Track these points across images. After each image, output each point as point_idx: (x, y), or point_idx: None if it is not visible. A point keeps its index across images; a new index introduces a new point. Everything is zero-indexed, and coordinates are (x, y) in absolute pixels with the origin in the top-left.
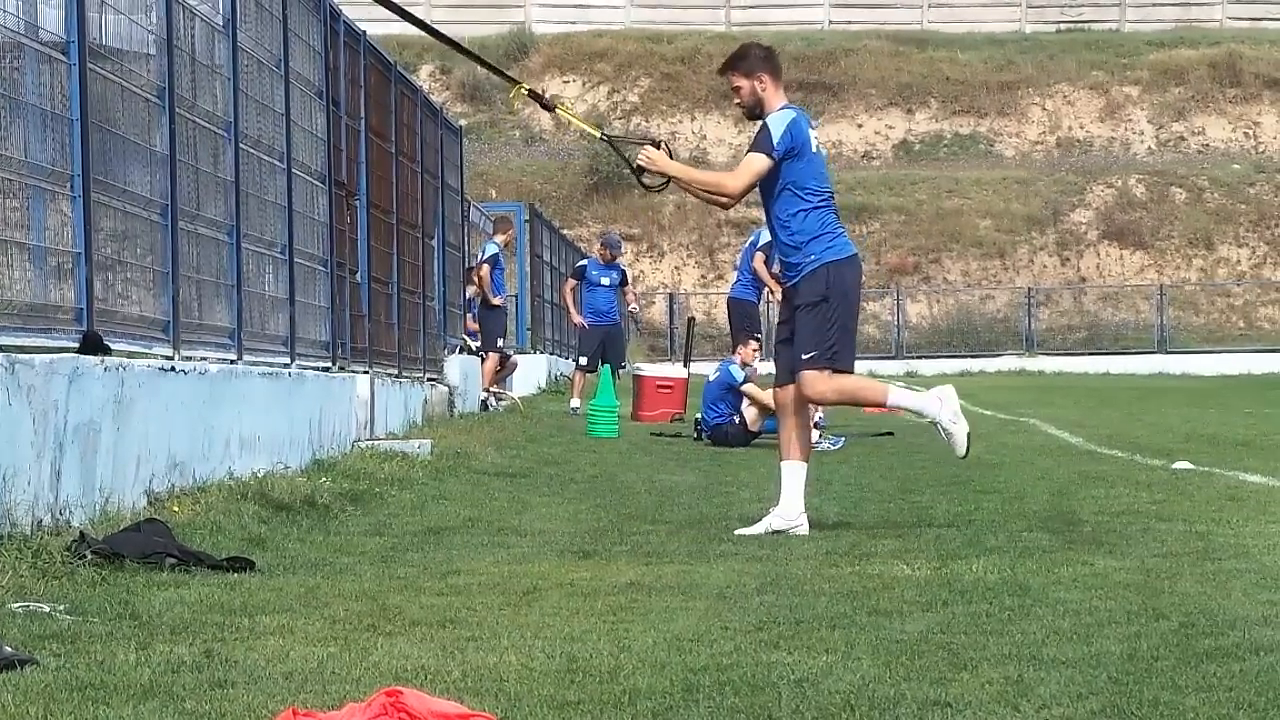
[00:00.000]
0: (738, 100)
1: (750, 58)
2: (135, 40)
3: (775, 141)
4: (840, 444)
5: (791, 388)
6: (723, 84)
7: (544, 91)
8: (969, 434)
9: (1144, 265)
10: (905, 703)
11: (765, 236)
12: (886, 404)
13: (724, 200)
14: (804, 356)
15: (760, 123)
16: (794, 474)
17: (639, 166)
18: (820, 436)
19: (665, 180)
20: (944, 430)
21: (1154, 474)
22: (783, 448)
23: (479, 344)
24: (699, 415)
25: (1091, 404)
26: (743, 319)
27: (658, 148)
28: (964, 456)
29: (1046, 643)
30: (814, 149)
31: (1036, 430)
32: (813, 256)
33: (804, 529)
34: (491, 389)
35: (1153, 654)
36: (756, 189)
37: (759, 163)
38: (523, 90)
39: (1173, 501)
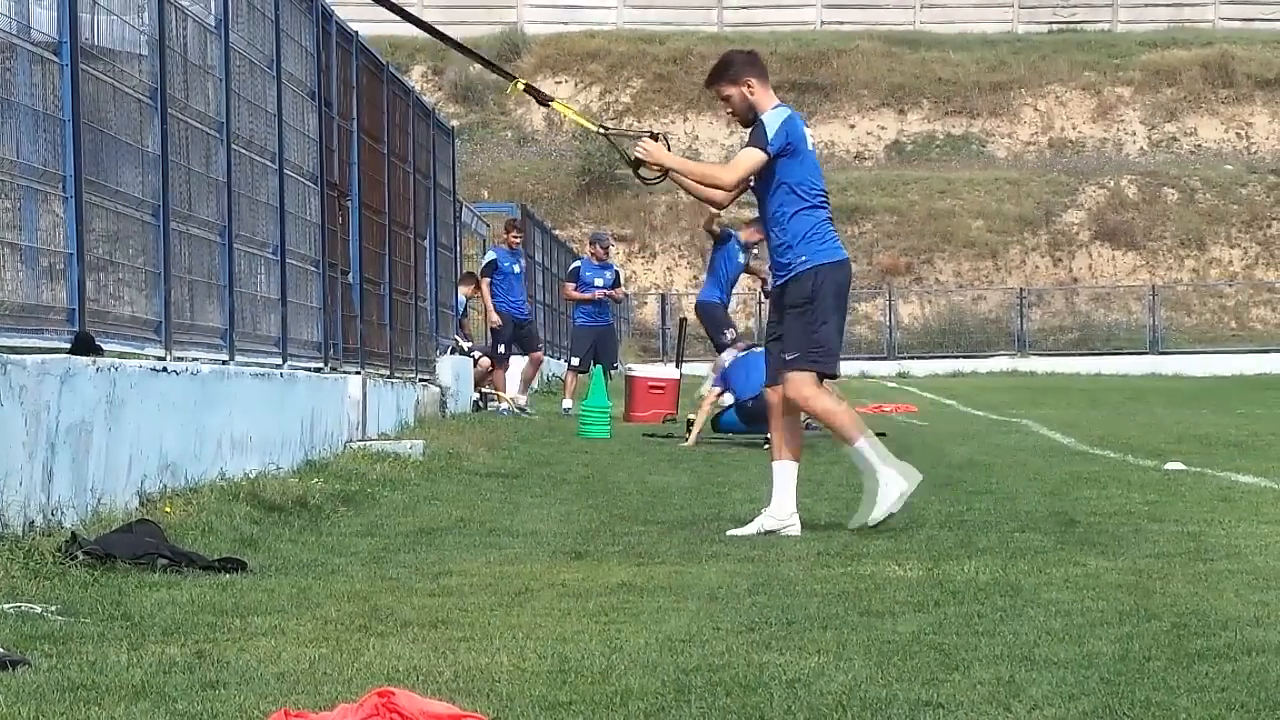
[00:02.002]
0: (730, 110)
1: (734, 65)
2: (127, 41)
3: (770, 137)
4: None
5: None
6: None
7: None
8: (885, 514)
9: (1136, 266)
10: (897, 703)
11: (742, 237)
12: (853, 444)
13: (718, 196)
14: (788, 358)
15: (758, 121)
16: (785, 474)
17: (636, 160)
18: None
19: (662, 174)
20: (878, 487)
21: (1146, 475)
22: (774, 448)
23: (470, 345)
24: (690, 416)
25: (1083, 405)
26: (712, 322)
27: (655, 140)
28: (872, 525)
29: (1038, 643)
30: (809, 147)
31: (1028, 431)
32: (803, 258)
33: (796, 529)
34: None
35: (1145, 654)
36: (751, 190)
37: (754, 157)
38: (519, 85)
39: (1165, 502)
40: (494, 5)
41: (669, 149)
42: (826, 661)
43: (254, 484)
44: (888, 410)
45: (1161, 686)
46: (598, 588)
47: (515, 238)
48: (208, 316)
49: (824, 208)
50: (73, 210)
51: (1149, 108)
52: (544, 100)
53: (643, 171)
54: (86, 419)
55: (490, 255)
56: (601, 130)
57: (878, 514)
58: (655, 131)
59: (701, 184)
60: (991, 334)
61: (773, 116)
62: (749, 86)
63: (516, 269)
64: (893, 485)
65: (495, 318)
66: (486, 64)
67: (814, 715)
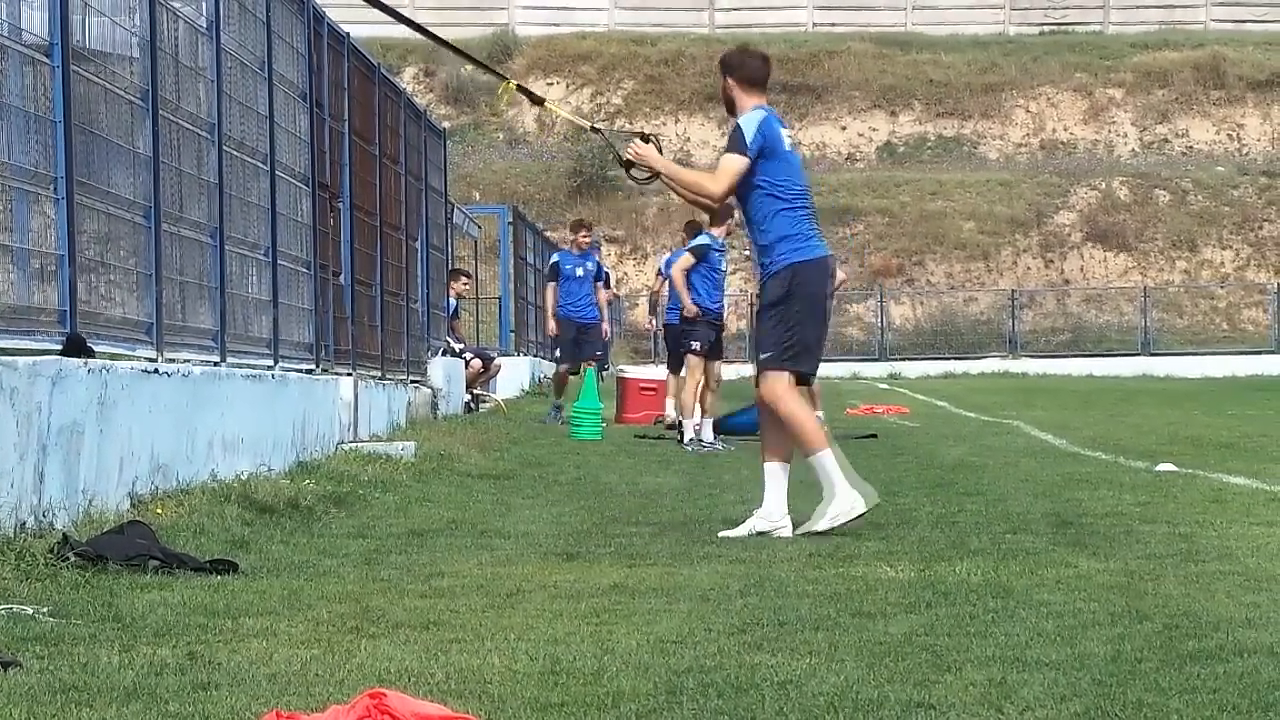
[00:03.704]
0: (719, 98)
1: (726, 60)
2: (118, 42)
3: (748, 141)
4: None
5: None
6: (707, 86)
7: None
8: (829, 526)
9: (1128, 267)
10: (889, 705)
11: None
12: (815, 454)
13: (706, 202)
14: (762, 356)
15: (734, 124)
16: (776, 475)
17: (628, 160)
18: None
19: (653, 174)
20: (832, 499)
21: (1138, 476)
22: (764, 449)
23: (462, 347)
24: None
25: (1075, 406)
26: (674, 343)
27: (647, 142)
28: (816, 531)
29: (1030, 645)
30: (787, 148)
31: (1020, 432)
32: (780, 257)
33: (787, 530)
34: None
35: (1136, 656)
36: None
37: (736, 163)
38: (512, 86)
39: (1156, 503)
40: (485, 6)
41: (660, 150)
42: (818, 663)
43: (245, 485)
44: (879, 411)
45: (1153, 688)
46: (589, 589)
47: (584, 238)
48: (199, 318)
49: (804, 208)
50: (64, 212)
51: (1140, 109)
52: (537, 101)
53: (635, 171)
54: (78, 420)
55: (554, 258)
56: (594, 129)
57: (823, 524)
58: (647, 133)
59: (690, 192)
60: (983, 335)
61: (749, 119)
62: (728, 85)
63: (580, 272)
64: (845, 500)
65: (551, 325)
66: (480, 65)
67: (806, 717)
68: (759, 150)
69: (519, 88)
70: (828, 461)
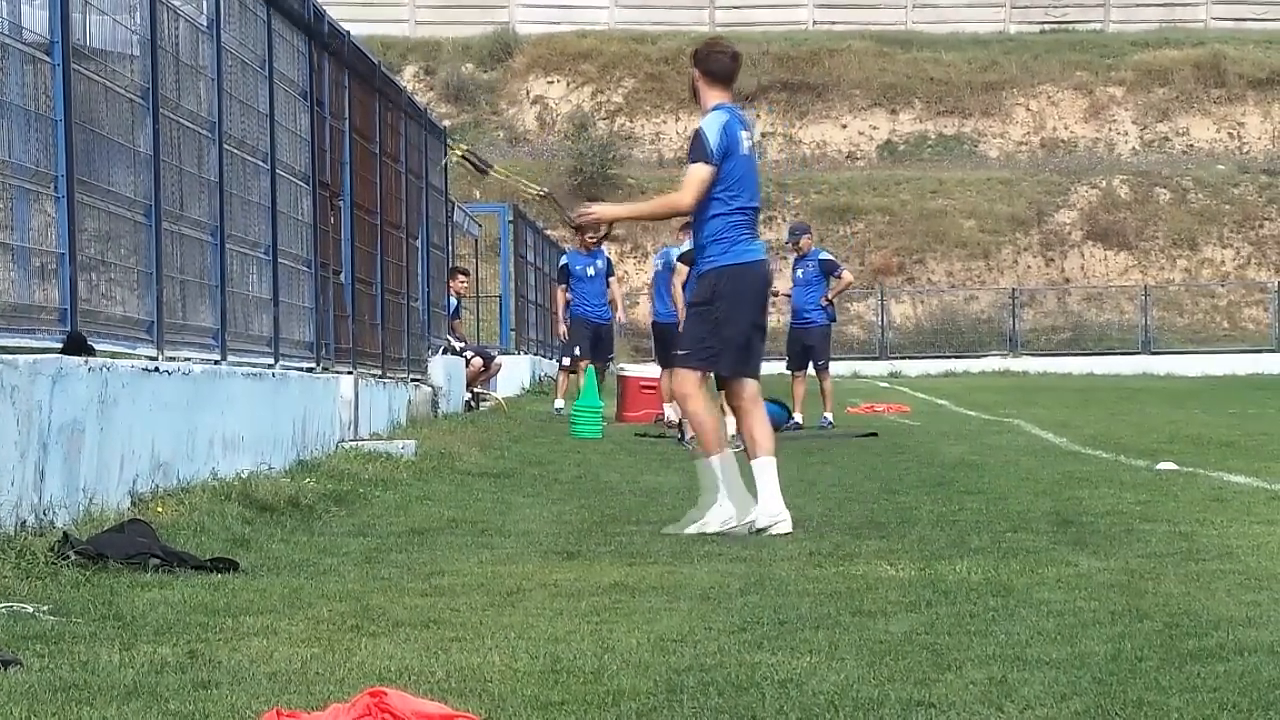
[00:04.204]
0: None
1: (697, 54)
2: (119, 41)
3: (712, 147)
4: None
5: (739, 387)
6: None
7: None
8: (699, 530)
9: (1128, 266)
10: (889, 703)
11: (675, 253)
12: (707, 457)
13: (682, 219)
14: (679, 353)
15: (696, 130)
16: (765, 470)
17: (577, 225)
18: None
19: (606, 233)
20: (712, 504)
21: (1138, 475)
22: (749, 447)
23: (462, 345)
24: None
25: (1076, 405)
26: (661, 344)
27: (592, 205)
28: (683, 533)
29: (1030, 643)
30: (744, 151)
31: (1020, 431)
32: (709, 259)
33: (787, 525)
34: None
35: (1136, 654)
36: None
37: (703, 172)
38: (458, 151)
39: (1157, 502)
40: (486, 5)
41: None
42: (819, 661)
43: (246, 484)
44: (880, 410)
45: (1153, 686)
46: (590, 588)
47: (591, 239)
48: (200, 316)
49: (742, 211)
50: (64, 210)
51: (1141, 108)
52: (483, 169)
53: (588, 235)
54: (78, 419)
55: (563, 260)
56: (543, 193)
57: (693, 528)
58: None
59: (661, 217)
60: (984, 334)
61: (711, 123)
62: (696, 78)
63: (590, 271)
64: (725, 510)
65: (562, 328)
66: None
67: (806, 715)
68: (723, 155)
69: (466, 155)
70: (718, 469)
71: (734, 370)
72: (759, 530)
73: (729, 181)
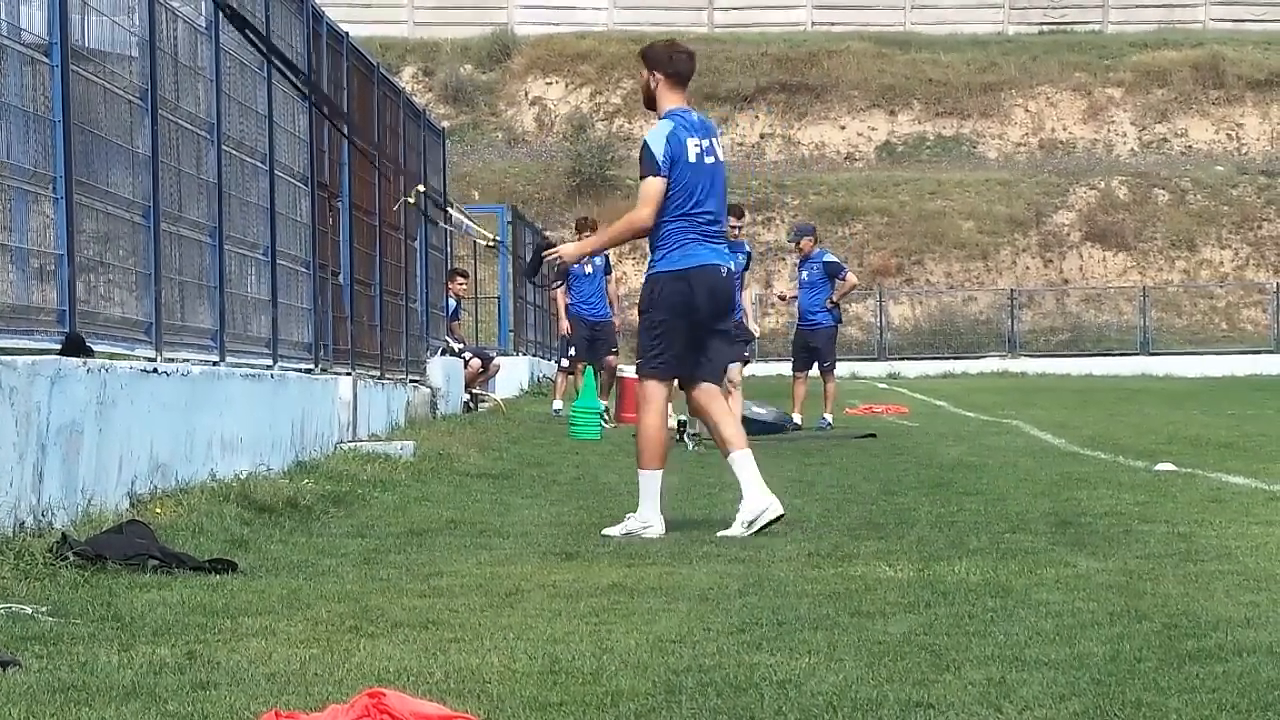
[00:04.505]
0: (639, 86)
1: (652, 54)
2: (117, 42)
3: (659, 160)
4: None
5: (695, 391)
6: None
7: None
8: (621, 535)
9: (1127, 267)
10: (888, 704)
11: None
12: (639, 469)
13: (644, 234)
14: (636, 361)
15: (643, 142)
16: (743, 465)
17: (533, 267)
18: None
19: (563, 276)
20: (635, 513)
21: (1137, 475)
22: (721, 444)
23: (461, 346)
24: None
25: (1074, 406)
26: None
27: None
28: (611, 535)
29: (1029, 644)
30: (690, 159)
31: (1019, 432)
32: (651, 266)
33: (776, 509)
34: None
35: (1135, 655)
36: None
37: (654, 186)
38: (411, 198)
39: (1155, 503)
40: (485, 6)
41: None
42: (817, 662)
43: (244, 485)
44: (879, 411)
45: (1152, 687)
46: (588, 589)
47: (554, 286)
48: (198, 317)
49: (687, 217)
50: (63, 211)
51: (1139, 109)
52: (441, 206)
53: (537, 279)
54: (77, 420)
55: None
56: (495, 242)
57: (618, 531)
58: (544, 244)
59: (624, 238)
60: (982, 335)
61: (655, 135)
62: (655, 80)
63: (589, 269)
64: (638, 522)
65: (564, 325)
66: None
67: (805, 716)
68: (670, 165)
69: (418, 197)
70: (647, 482)
71: (685, 375)
72: (750, 524)
73: (674, 190)
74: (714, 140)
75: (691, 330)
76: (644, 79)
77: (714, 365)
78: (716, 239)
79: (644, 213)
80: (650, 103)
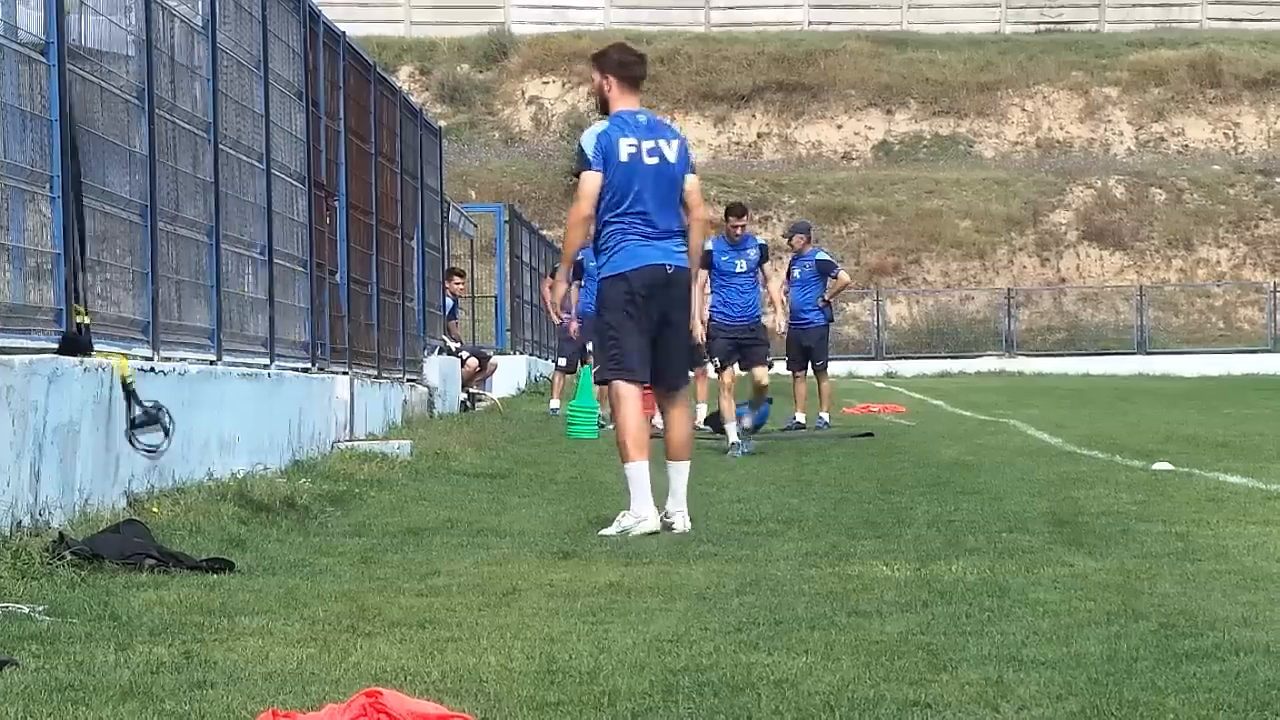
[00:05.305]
0: (591, 90)
1: (605, 58)
2: (114, 41)
3: (590, 158)
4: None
5: (659, 392)
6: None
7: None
8: (615, 533)
9: (1123, 266)
10: (885, 704)
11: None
12: (624, 463)
13: (588, 223)
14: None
15: (577, 144)
16: (678, 473)
17: None
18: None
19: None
20: (625, 510)
21: (1134, 475)
22: (665, 447)
23: (458, 345)
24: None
25: (1071, 405)
26: None
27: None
28: (604, 535)
29: (1026, 643)
30: (622, 158)
31: (1016, 431)
32: (597, 270)
33: (652, 524)
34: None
35: (1132, 655)
36: None
37: (590, 180)
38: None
39: (1152, 502)
40: (481, 5)
41: None
42: (814, 662)
43: (241, 484)
44: (876, 410)
45: (1149, 687)
46: (585, 588)
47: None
48: (195, 317)
49: (622, 217)
50: (60, 210)
51: (1136, 108)
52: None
53: None
54: (74, 419)
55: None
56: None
57: (613, 530)
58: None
59: (577, 234)
60: (979, 334)
61: (587, 138)
62: (608, 83)
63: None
64: (630, 519)
65: (573, 325)
66: None
67: (801, 716)
68: (602, 163)
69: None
70: (633, 475)
71: (646, 375)
72: (623, 530)
73: (608, 190)
74: (666, 142)
75: (638, 330)
76: (596, 83)
77: (679, 365)
78: (659, 238)
79: (582, 204)
80: (604, 106)
